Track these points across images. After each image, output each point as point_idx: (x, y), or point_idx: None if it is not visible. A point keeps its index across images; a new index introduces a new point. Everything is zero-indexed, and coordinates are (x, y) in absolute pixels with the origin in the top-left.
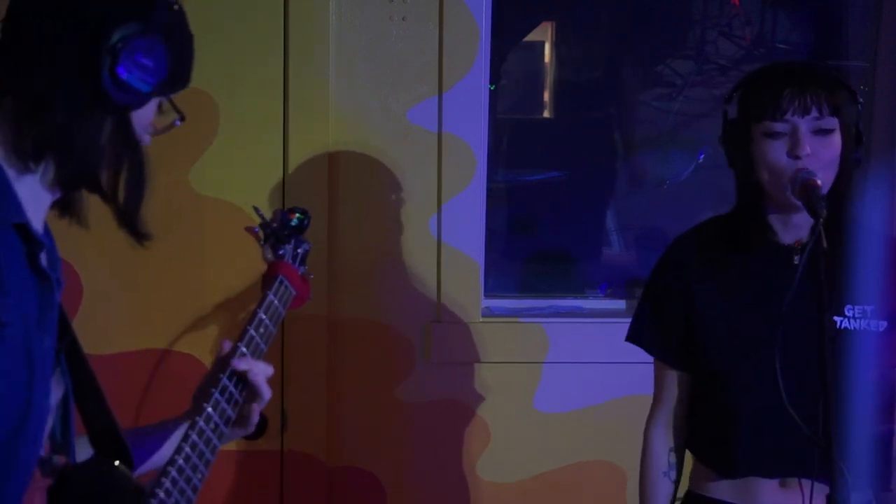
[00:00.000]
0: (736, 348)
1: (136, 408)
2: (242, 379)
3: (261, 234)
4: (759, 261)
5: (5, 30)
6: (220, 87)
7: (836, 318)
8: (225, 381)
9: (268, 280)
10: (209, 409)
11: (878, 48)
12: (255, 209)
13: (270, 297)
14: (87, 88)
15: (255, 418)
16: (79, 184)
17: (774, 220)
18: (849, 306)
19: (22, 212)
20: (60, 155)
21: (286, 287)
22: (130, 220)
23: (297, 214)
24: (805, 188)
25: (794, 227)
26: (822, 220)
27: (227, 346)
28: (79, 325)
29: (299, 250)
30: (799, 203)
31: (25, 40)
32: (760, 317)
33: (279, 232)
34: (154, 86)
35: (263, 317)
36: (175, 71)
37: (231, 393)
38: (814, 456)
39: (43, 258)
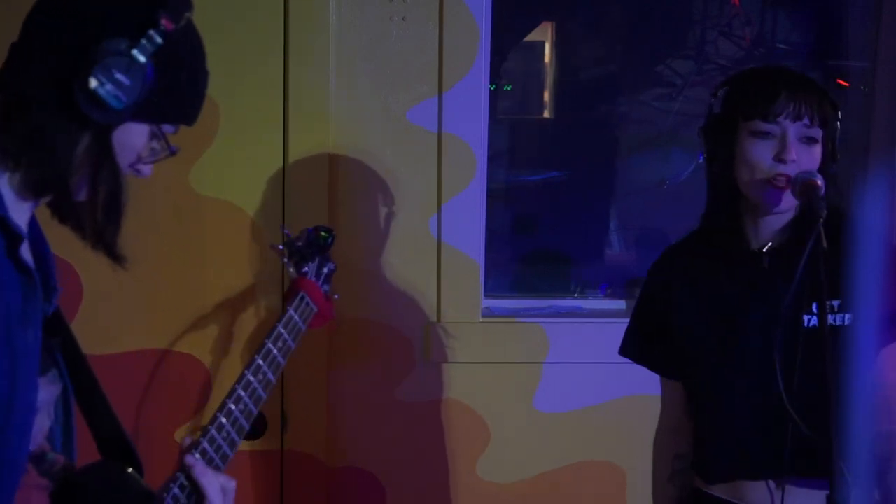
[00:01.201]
0: (714, 358)
1: (136, 408)
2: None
3: (285, 251)
4: (731, 268)
5: (21, 30)
6: (220, 87)
7: (804, 315)
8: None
9: (289, 296)
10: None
11: (878, 48)
12: (282, 227)
13: (291, 312)
14: (63, 95)
15: None
16: (44, 190)
17: (746, 223)
18: (816, 304)
19: (3, 205)
20: (32, 158)
21: (307, 304)
22: (106, 242)
23: (322, 233)
24: (805, 188)
25: (763, 231)
26: (821, 220)
27: (188, 441)
28: (79, 325)
29: (324, 269)
30: (772, 210)
31: (25, 41)
32: (736, 324)
33: (304, 250)
34: (128, 105)
35: (283, 331)
36: (169, 100)
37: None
38: (787, 458)
39: (24, 252)
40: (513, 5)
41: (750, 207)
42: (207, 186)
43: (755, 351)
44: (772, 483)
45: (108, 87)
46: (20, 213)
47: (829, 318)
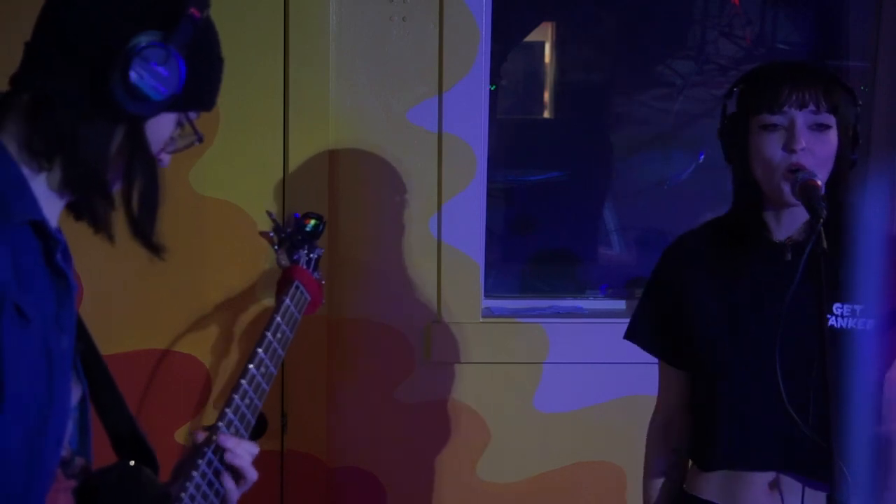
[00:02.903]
0: (730, 347)
1: (137, 408)
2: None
3: (275, 238)
4: (752, 258)
5: (35, 28)
6: (221, 87)
7: (827, 316)
8: (210, 455)
9: (284, 285)
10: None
11: (878, 48)
12: (269, 214)
13: (287, 302)
14: (99, 91)
15: (236, 499)
16: (85, 187)
17: (768, 216)
18: (837, 305)
19: (38, 209)
20: (68, 156)
21: (302, 292)
22: (143, 233)
23: (313, 220)
24: (805, 188)
25: (786, 224)
26: (821, 220)
27: (200, 437)
28: None
29: (312, 255)
30: (795, 202)
31: (47, 38)
32: (754, 316)
33: (294, 237)
34: (166, 96)
35: (281, 322)
36: (194, 89)
37: (217, 468)
38: (803, 456)
39: (59, 256)
40: (513, 5)
41: (772, 201)
42: (207, 186)
43: (771, 342)
44: (772, 478)
45: (148, 79)
46: (52, 214)
47: (852, 322)
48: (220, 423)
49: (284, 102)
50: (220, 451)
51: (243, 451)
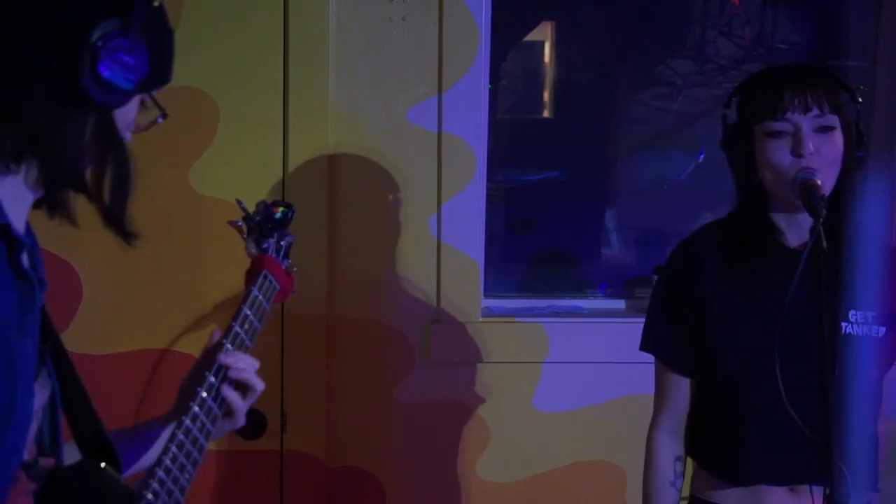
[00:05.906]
0: (746, 354)
1: (136, 408)
2: (228, 375)
3: (244, 227)
4: (766, 264)
5: None
6: (220, 87)
7: (842, 323)
8: (211, 378)
9: (252, 275)
10: (195, 408)
11: (878, 48)
12: (238, 202)
13: (255, 292)
14: (67, 88)
15: (245, 410)
16: (63, 183)
17: (780, 220)
18: (853, 312)
19: (3, 212)
20: (42, 155)
21: (270, 282)
22: (116, 219)
23: (281, 208)
24: (805, 188)
25: (799, 228)
26: (821, 220)
27: (216, 335)
28: (79, 325)
29: (282, 243)
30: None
31: (3, 40)
32: (770, 321)
33: (262, 225)
34: (136, 83)
35: (248, 313)
36: (156, 68)
37: (218, 390)
38: (823, 463)
39: (24, 259)
40: (513, 5)
41: (782, 206)
42: (207, 186)
43: (789, 349)
44: (796, 486)
45: (117, 70)
46: (18, 215)
47: (866, 329)
48: (226, 341)
49: (284, 102)
50: (222, 370)
51: (246, 364)
